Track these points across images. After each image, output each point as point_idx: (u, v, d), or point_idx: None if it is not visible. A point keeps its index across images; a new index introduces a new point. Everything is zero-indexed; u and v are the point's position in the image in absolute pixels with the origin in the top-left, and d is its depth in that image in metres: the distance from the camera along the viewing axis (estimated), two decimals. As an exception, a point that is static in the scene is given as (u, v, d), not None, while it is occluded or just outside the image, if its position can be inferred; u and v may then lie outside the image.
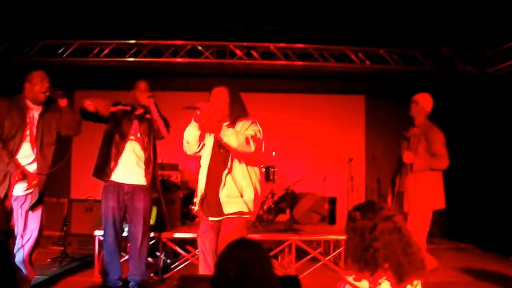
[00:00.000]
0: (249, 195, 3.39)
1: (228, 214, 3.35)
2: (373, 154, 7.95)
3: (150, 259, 5.22)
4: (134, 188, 4.25)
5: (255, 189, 3.43)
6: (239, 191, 3.37)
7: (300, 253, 5.48)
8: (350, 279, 1.88)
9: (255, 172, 3.48)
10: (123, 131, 4.26)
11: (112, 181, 4.23)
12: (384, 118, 8.06)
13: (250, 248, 1.83)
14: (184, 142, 3.50)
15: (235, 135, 3.20)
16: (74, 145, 8.05)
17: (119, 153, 4.22)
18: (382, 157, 7.63)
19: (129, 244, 4.52)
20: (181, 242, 5.42)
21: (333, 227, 6.50)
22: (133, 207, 4.25)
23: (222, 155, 3.39)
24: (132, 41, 6.94)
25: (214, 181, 3.40)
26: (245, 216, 3.38)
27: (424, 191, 4.48)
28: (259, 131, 3.41)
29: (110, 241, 4.22)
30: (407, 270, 1.81)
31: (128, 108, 4.35)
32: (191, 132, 3.42)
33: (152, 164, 4.33)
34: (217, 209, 3.37)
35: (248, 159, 3.38)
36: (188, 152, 3.56)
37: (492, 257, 6.69)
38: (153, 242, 5.14)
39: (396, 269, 1.81)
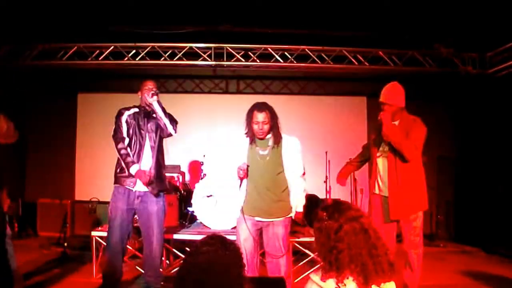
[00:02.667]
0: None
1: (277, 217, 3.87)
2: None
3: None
4: (145, 192, 4.19)
5: None
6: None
7: (299, 255, 5.48)
8: (316, 279, 1.89)
9: None
10: (141, 135, 4.22)
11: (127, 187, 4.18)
12: (386, 119, 8.03)
13: (219, 248, 1.80)
14: None
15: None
16: (77, 147, 8.22)
17: (139, 159, 4.16)
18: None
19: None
20: (180, 244, 5.46)
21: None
22: (146, 211, 4.18)
23: (267, 165, 3.87)
24: (131, 44, 6.99)
25: (262, 187, 3.85)
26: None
27: (409, 197, 4.00)
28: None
29: (115, 243, 4.12)
30: (371, 271, 1.82)
31: (137, 109, 4.32)
32: None
33: (159, 168, 4.28)
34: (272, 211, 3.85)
35: None
36: None
37: (496, 260, 6.64)
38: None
39: (361, 270, 1.82)
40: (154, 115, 4.27)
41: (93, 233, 5.17)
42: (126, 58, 7.03)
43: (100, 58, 6.99)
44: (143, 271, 4.41)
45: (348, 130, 8.31)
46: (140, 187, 4.14)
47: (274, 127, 3.88)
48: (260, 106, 3.87)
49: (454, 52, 7.13)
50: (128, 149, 4.14)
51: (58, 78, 7.81)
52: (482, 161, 7.56)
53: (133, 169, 4.06)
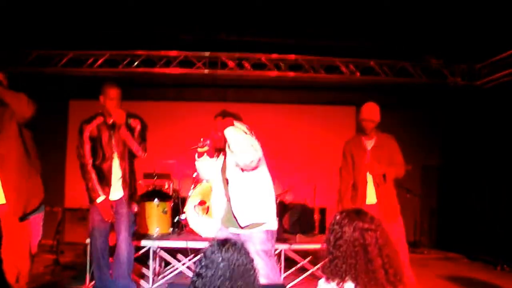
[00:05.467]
0: None
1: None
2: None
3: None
4: (116, 200, 4.21)
5: None
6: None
7: (289, 263, 5.53)
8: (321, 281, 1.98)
9: None
10: (107, 148, 4.12)
11: None
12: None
13: (234, 251, 1.85)
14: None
15: None
16: (68, 153, 8.19)
17: (108, 173, 4.13)
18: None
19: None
20: (172, 251, 5.48)
21: (323, 236, 6.55)
22: (117, 214, 4.18)
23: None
24: (126, 52, 7.00)
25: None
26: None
27: (395, 201, 4.52)
28: None
29: (99, 252, 4.18)
30: (365, 283, 1.84)
31: (101, 119, 4.16)
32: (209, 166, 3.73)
33: (129, 176, 4.21)
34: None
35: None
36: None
37: (479, 266, 6.77)
38: (144, 250, 5.20)
39: (354, 279, 1.86)
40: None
41: (88, 240, 5.16)
42: (120, 66, 7.05)
43: (95, 66, 7.00)
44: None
45: (337, 139, 8.36)
46: (111, 196, 4.15)
47: None
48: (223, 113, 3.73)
49: (444, 63, 7.27)
50: (92, 172, 4.05)
51: (49, 85, 7.78)
52: (466, 169, 7.70)
53: (99, 200, 4.06)
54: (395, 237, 4.34)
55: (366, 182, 4.48)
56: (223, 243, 1.86)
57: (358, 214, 1.98)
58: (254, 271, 1.86)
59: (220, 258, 1.79)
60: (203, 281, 1.78)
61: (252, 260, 1.87)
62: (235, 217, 3.53)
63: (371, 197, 4.47)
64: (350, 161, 4.62)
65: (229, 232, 3.58)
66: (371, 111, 4.53)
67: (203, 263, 1.81)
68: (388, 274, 1.86)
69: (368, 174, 4.47)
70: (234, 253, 1.82)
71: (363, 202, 4.45)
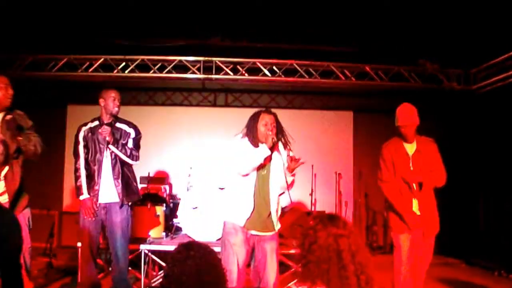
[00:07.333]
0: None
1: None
2: (360, 170, 8.04)
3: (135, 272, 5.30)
4: (110, 203, 4.25)
5: None
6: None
7: (283, 267, 5.51)
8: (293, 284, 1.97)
9: None
10: (100, 150, 4.23)
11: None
12: (372, 133, 8.12)
13: (203, 252, 1.89)
14: (249, 170, 3.62)
15: None
16: (66, 156, 8.21)
17: (99, 172, 4.21)
18: (370, 172, 7.65)
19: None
20: (165, 255, 5.48)
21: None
22: (111, 221, 4.25)
23: (265, 178, 3.73)
24: (120, 56, 7.05)
25: (261, 200, 3.69)
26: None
27: (436, 214, 4.22)
28: None
29: (88, 253, 4.24)
30: None
31: (97, 123, 4.30)
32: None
33: (121, 177, 4.28)
34: (268, 225, 3.69)
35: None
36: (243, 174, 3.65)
37: (477, 272, 6.73)
38: (137, 255, 5.20)
39: (326, 284, 1.84)
40: (116, 125, 4.30)
41: (79, 244, 5.17)
42: (115, 71, 7.09)
43: (90, 70, 7.04)
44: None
45: (335, 144, 8.40)
46: (103, 198, 4.22)
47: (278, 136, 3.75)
48: (268, 110, 3.81)
49: (439, 68, 7.27)
50: (82, 171, 4.18)
51: (48, 89, 7.84)
52: (463, 175, 7.67)
53: (81, 197, 4.17)
54: (424, 253, 4.22)
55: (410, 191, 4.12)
56: (189, 244, 1.91)
57: (331, 219, 1.97)
58: (222, 269, 1.89)
59: (187, 257, 1.83)
60: (170, 279, 1.82)
61: (219, 259, 1.90)
62: (272, 220, 3.70)
63: (415, 207, 4.11)
64: (391, 167, 4.13)
65: (250, 234, 3.64)
66: (409, 115, 4.05)
67: (170, 265, 1.86)
68: (360, 280, 1.84)
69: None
70: (201, 251, 1.86)
71: (410, 209, 4.11)
